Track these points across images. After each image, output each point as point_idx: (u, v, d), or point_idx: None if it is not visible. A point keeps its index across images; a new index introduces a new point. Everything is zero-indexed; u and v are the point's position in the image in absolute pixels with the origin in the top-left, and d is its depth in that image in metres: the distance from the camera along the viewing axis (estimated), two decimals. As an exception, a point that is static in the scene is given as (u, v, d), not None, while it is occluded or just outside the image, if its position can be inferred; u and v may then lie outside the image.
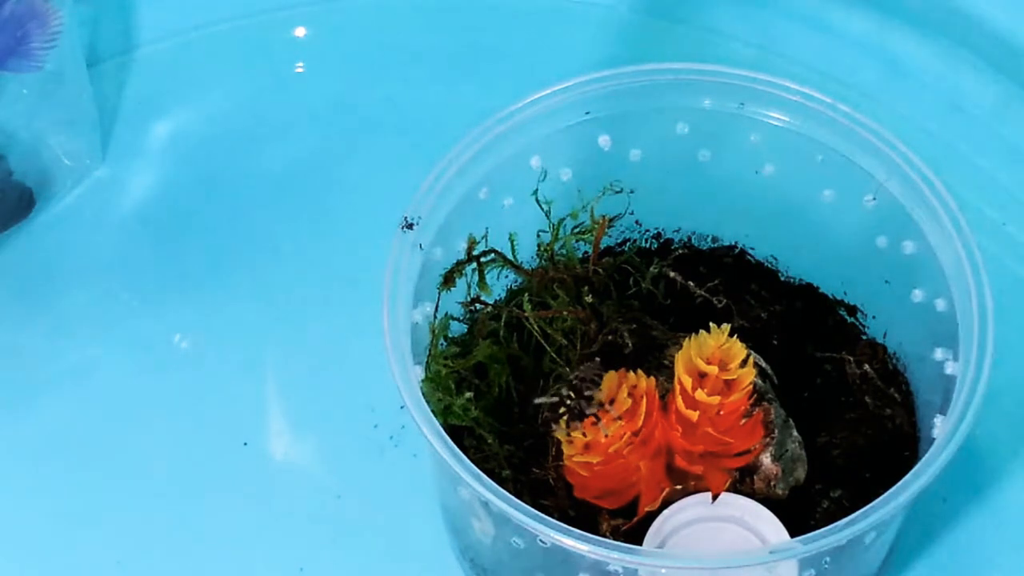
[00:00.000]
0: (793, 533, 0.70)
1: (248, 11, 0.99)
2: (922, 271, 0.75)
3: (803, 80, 0.77)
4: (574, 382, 0.72)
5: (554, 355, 0.76)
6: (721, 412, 0.70)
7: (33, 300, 0.88)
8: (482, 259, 0.76)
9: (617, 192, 0.79)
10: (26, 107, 0.88)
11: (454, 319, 0.77)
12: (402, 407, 0.71)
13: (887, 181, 0.76)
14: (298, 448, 0.84)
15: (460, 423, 0.75)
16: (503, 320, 0.77)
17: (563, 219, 0.77)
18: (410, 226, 0.73)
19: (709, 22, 0.97)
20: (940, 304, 0.74)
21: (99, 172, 0.93)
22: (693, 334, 0.70)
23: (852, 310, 0.82)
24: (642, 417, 0.69)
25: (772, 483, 0.73)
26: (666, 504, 0.71)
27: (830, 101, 0.76)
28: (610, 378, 0.70)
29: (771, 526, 0.71)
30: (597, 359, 0.73)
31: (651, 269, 0.81)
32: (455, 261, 0.75)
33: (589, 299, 0.77)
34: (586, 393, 0.71)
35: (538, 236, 0.78)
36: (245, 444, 0.84)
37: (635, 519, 0.71)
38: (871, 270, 0.79)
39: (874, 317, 0.82)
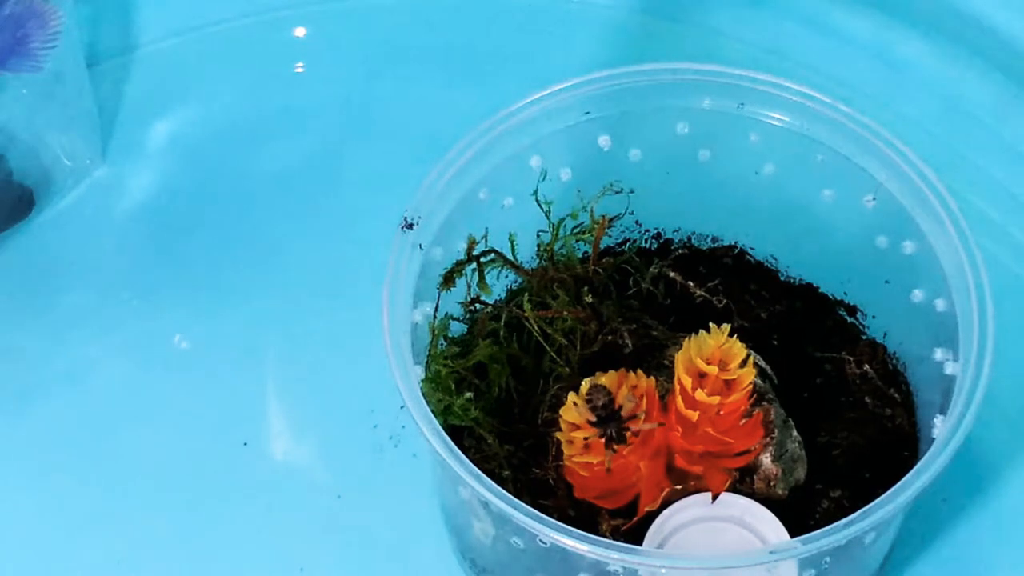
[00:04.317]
0: (793, 533, 0.70)
1: (248, 11, 0.99)
2: (922, 271, 0.75)
3: (803, 80, 0.77)
4: (600, 413, 0.69)
5: (554, 355, 0.76)
6: (721, 412, 0.70)
7: (33, 300, 0.88)
8: (482, 259, 0.76)
9: (617, 192, 0.79)
10: (26, 107, 0.88)
11: (454, 319, 0.77)
12: (402, 407, 0.71)
13: (887, 181, 0.76)
14: (298, 448, 0.84)
15: (460, 423, 0.75)
16: (503, 320, 0.77)
17: (563, 219, 0.77)
18: (410, 226, 0.73)
19: (709, 22, 0.97)
20: (940, 304, 0.74)
21: (99, 172, 0.93)
22: (693, 334, 0.70)
23: (852, 310, 0.82)
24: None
25: (772, 483, 0.73)
26: (666, 504, 0.71)
27: (830, 101, 0.76)
28: (610, 378, 0.70)
29: (771, 526, 0.71)
30: (601, 382, 0.71)
31: (651, 269, 0.81)
32: (455, 261, 0.75)
33: (589, 299, 0.77)
34: (627, 423, 0.69)
35: (538, 236, 0.78)
36: (245, 444, 0.84)
37: (635, 519, 0.71)
38: (871, 270, 0.79)
39: (874, 317, 0.82)
